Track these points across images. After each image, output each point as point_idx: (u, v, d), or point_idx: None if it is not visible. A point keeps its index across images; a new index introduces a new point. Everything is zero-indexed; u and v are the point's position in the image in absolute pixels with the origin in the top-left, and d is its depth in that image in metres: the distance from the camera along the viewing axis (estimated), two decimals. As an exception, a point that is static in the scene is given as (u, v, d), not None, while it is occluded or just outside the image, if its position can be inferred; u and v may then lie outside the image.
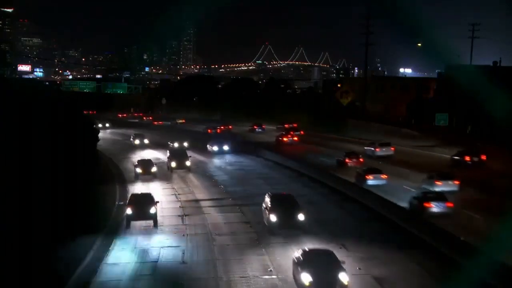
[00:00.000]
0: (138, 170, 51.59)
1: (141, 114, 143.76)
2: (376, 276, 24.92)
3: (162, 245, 30.62)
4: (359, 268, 25.78)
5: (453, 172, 44.57)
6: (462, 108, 71.27)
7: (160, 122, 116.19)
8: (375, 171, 45.10)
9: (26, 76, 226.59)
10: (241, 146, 70.46)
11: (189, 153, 58.33)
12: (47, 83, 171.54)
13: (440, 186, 40.19)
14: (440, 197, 35.09)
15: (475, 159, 51.56)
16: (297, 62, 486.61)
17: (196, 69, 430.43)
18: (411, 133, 74.00)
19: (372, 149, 60.19)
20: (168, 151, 60.13)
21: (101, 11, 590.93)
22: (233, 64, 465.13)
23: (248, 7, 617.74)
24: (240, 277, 25.30)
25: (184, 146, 68.99)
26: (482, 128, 65.68)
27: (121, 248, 30.06)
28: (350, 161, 53.61)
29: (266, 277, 25.21)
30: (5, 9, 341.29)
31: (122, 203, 41.57)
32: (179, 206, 40.73)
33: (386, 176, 44.70)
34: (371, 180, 43.75)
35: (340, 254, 25.27)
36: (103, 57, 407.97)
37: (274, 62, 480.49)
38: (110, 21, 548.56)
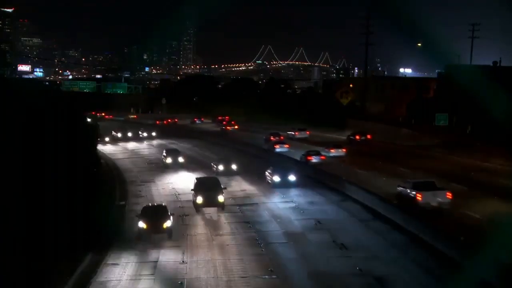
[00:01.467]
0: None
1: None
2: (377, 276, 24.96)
3: (162, 245, 30.62)
4: (359, 269, 25.82)
5: (343, 144, 66.69)
6: (462, 108, 71.27)
7: (111, 116, 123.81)
8: (281, 142, 68.66)
9: (26, 76, 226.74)
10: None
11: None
12: (47, 83, 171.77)
13: (332, 153, 61.11)
14: (317, 153, 56.84)
15: (363, 137, 73.50)
16: (297, 62, 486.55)
17: (196, 69, 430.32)
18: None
19: (293, 133, 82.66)
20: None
21: (101, 11, 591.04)
22: (233, 64, 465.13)
23: (248, 7, 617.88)
24: (240, 277, 25.30)
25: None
26: (482, 128, 65.66)
27: (121, 248, 30.07)
28: (274, 138, 74.54)
29: (266, 277, 25.21)
30: (5, 9, 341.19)
31: (122, 203, 41.61)
32: (179, 206, 40.77)
33: (288, 146, 67.10)
34: (278, 148, 66.28)
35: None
36: (103, 57, 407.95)
37: (274, 62, 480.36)
38: (110, 21, 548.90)
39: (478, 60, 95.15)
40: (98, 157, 56.69)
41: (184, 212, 38.64)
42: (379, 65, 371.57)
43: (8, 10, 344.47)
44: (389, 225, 32.46)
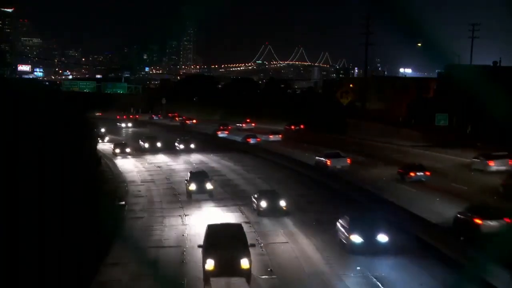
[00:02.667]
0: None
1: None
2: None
3: (162, 245, 30.64)
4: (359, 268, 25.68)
5: (280, 132, 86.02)
6: (462, 108, 71.30)
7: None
8: (253, 136, 77.83)
9: (26, 76, 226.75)
10: None
11: None
12: (47, 83, 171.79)
13: (271, 138, 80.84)
14: (254, 136, 77.44)
15: (297, 127, 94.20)
16: (297, 62, 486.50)
17: (196, 69, 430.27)
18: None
19: (240, 125, 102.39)
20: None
21: (101, 11, 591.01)
22: (233, 64, 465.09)
23: (248, 7, 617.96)
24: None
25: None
26: (482, 128, 65.67)
27: (121, 248, 30.08)
28: (222, 127, 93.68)
29: (266, 277, 25.21)
30: (5, 9, 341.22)
31: (123, 203, 41.64)
32: (179, 206, 40.82)
33: (227, 132, 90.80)
34: (220, 134, 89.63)
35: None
36: (103, 57, 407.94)
37: (274, 62, 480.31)
38: (110, 21, 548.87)
39: (478, 60, 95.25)
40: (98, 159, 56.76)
41: (184, 212, 38.70)
42: (379, 65, 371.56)
43: (8, 10, 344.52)
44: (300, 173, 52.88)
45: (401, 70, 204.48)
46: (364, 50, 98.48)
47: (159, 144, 73.38)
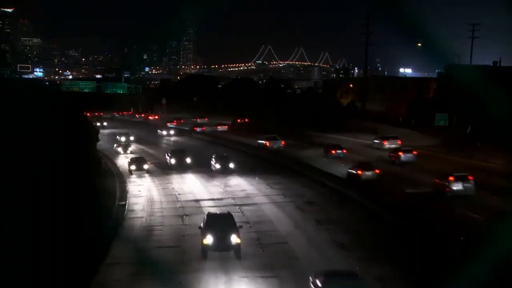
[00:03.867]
0: None
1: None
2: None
3: (162, 245, 30.64)
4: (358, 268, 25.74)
5: (227, 124, 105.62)
6: (462, 108, 71.28)
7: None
8: (199, 126, 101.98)
9: (26, 76, 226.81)
10: None
11: None
12: (47, 83, 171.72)
13: (219, 128, 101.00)
14: (201, 125, 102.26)
15: (243, 121, 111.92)
16: (297, 62, 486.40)
17: (196, 69, 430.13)
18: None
19: (195, 119, 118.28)
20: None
21: (101, 11, 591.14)
22: (233, 64, 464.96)
23: (248, 7, 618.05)
24: (240, 277, 25.31)
25: None
26: (482, 128, 65.66)
27: (121, 248, 30.09)
28: (176, 121, 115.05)
29: (266, 277, 25.21)
30: (5, 9, 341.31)
31: (123, 203, 41.65)
32: (179, 206, 40.83)
33: (175, 123, 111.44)
34: (169, 125, 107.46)
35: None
36: (103, 57, 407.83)
37: (274, 62, 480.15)
38: (110, 21, 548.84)
39: (478, 60, 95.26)
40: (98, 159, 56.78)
41: (184, 212, 38.72)
42: (379, 65, 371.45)
43: (8, 10, 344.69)
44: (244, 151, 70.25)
45: (401, 70, 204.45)
46: (364, 50, 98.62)
47: (188, 160, 58.67)
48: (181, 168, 57.21)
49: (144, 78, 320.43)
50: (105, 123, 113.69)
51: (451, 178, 41.29)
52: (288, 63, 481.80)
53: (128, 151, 71.45)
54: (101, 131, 78.88)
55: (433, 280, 23.56)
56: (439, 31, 68.36)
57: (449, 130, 73.15)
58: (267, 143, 70.38)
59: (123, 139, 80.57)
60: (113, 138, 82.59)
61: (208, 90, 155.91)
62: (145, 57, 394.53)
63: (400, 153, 55.87)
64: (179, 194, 45.64)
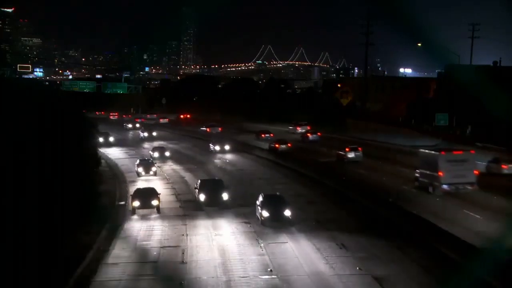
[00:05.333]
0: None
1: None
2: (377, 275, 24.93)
3: (162, 245, 30.62)
4: (359, 268, 25.82)
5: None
6: (462, 108, 71.31)
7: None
8: (139, 118, 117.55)
9: (26, 76, 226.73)
10: None
11: None
12: (47, 83, 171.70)
13: (161, 121, 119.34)
14: (164, 117, 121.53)
15: (186, 116, 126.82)
16: (297, 62, 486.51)
17: (196, 69, 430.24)
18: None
19: (155, 116, 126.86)
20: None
21: (101, 11, 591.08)
22: (233, 64, 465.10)
23: (248, 7, 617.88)
24: (240, 277, 25.28)
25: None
26: (482, 128, 65.69)
27: (121, 248, 30.07)
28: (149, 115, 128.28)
29: (266, 277, 25.19)
30: (5, 9, 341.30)
31: (123, 203, 41.64)
32: (179, 206, 40.82)
33: (144, 120, 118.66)
34: (144, 121, 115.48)
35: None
36: (103, 57, 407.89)
37: (274, 62, 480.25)
38: (110, 21, 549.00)
39: (478, 60, 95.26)
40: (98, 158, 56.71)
41: (184, 212, 38.69)
42: (379, 65, 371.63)
43: (8, 10, 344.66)
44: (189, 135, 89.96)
45: (401, 70, 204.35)
46: (364, 50, 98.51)
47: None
48: None
49: (144, 78, 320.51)
50: (111, 138, 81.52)
51: (347, 149, 59.53)
52: (288, 63, 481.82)
53: (151, 172, 53.29)
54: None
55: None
56: (439, 31, 68.44)
57: (449, 130, 73.17)
58: (208, 129, 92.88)
59: (156, 154, 64.66)
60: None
61: (208, 90, 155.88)
62: (145, 57, 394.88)
63: (309, 134, 79.87)
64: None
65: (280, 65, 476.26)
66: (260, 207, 34.38)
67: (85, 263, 26.56)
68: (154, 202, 37.88)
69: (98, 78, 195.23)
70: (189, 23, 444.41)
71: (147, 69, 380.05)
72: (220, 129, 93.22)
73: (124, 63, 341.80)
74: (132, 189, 42.65)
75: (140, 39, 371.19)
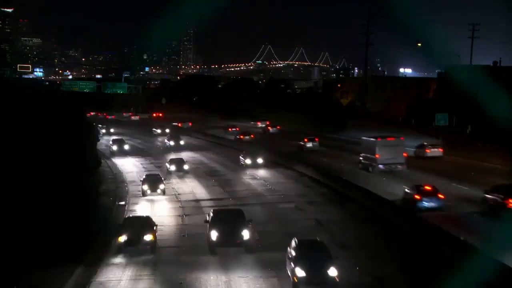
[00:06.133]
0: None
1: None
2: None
3: (162, 245, 30.59)
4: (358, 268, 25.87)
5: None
6: (462, 108, 71.27)
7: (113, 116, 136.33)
8: (110, 114, 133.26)
9: (26, 76, 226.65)
10: None
11: None
12: (47, 83, 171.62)
13: (132, 118, 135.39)
14: (135, 114, 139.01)
15: (158, 114, 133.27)
16: (297, 62, 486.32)
17: (196, 69, 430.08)
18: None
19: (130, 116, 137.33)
20: None
21: (101, 11, 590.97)
22: (233, 64, 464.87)
23: (248, 7, 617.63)
24: (240, 277, 25.27)
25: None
26: (482, 128, 65.67)
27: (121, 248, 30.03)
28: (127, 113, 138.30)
29: (266, 277, 25.17)
30: (5, 9, 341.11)
31: (123, 203, 41.65)
32: (179, 206, 40.80)
33: (114, 116, 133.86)
34: (109, 117, 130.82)
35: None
36: (103, 57, 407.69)
37: (274, 62, 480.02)
38: (110, 21, 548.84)
39: (478, 60, 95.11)
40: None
41: (184, 212, 38.70)
42: (379, 65, 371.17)
43: (8, 10, 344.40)
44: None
45: (401, 70, 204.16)
46: (364, 50, 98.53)
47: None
48: None
49: (144, 78, 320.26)
50: (126, 146, 75.14)
51: (306, 140, 71.06)
52: (288, 63, 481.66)
53: (159, 191, 44.57)
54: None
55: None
56: (439, 31, 68.40)
57: (449, 130, 73.12)
58: (179, 124, 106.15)
59: (173, 168, 55.46)
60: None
61: (208, 90, 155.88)
62: (145, 57, 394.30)
63: (269, 128, 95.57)
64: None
65: (280, 65, 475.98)
66: (293, 260, 23.69)
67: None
68: (147, 237, 28.75)
69: (98, 78, 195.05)
70: (189, 23, 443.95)
71: (147, 69, 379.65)
72: (190, 123, 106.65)
73: (124, 63, 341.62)
74: (129, 215, 35.86)
75: (140, 39, 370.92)
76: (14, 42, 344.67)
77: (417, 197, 36.48)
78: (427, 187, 37.29)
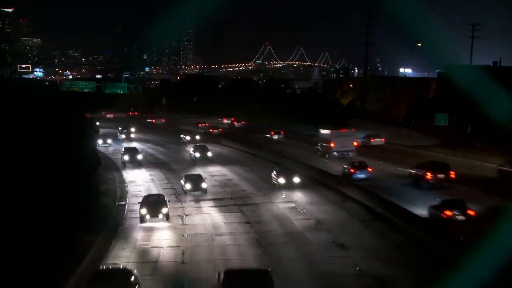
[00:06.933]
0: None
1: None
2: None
3: (162, 245, 30.62)
4: (359, 269, 25.77)
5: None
6: (462, 108, 71.22)
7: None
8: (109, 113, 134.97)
9: (26, 76, 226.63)
10: None
11: None
12: (47, 83, 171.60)
13: (107, 116, 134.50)
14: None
15: (133, 114, 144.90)
16: (297, 62, 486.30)
17: (196, 69, 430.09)
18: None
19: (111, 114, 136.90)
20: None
21: (101, 11, 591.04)
22: (233, 64, 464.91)
23: (248, 7, 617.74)
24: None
25: None
26: (482, 128, 65.59)
27: (121, 248, 30.08)
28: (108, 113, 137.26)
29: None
30: (5, 9, 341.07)
31: (123, 203, 41.68)
32: (179, 206, 40.80)
33: (164, 120, 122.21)
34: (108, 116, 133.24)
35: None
36: (103, 57, 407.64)
37: (274, 62, 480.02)
38: (110, 21, 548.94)
39: (478, 60, 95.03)
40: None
41: (184, 212, 38.69)
42: (379, 65, 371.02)
43: (8, 10, 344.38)
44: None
45: (401, 70, 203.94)
46: (364, 50, 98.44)
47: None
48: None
49: (144, 78, 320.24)
50: (139, 156, 62.97)
51: (272, 133, 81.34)
52: (288, 63, 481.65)
53: (161, 215, 35.91)
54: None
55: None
56: (439, 31, 68.34)
57: (449, 130, 73.06)
58: (153, 121, 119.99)
59: (188, 186, 44.98)
60: None
61: (208, 90, 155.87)
62: (145, 57, 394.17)
63: (235, 123, 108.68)
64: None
65: (280, 65, 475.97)
66: None
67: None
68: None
69: (98, 78, 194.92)
70: (189, 23, 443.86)
71: (147, 69, 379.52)
72: (163, 120, 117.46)
73: (124, 63, 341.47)
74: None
75: (140, 39, 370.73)
76: (14, 42, 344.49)
77: (352, 170, 47.29)
78: (359, 163, 48.41)
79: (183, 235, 32.95)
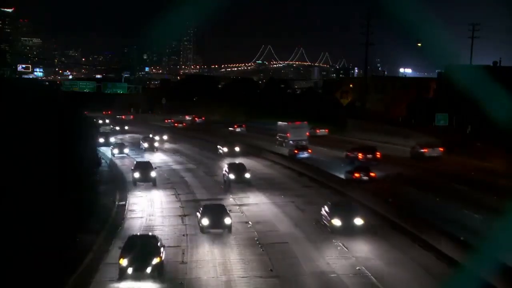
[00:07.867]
0: None
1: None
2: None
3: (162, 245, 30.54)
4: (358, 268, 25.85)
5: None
6: (462, 108, 71.20)
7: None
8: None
9: (26, 76, 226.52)
10: None
11: None
12: (47, 83, 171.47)
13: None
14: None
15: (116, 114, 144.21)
16: (297, 62, 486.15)
17: (196, 69, 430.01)
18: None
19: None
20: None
21: (101, 11, 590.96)
22: (233, 64, 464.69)
23: (248, 7, 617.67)
24: (240, 277, 25.27)
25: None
26: (482, 128, 65.58)
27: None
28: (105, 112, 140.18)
29: (266, 277, 25.17)
30: (5, 9, 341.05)
31: (123, 203, 41.64)
32: (179, 206, 40.79)
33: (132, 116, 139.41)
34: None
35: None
36: (103, 57, 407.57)
37: (274, 62, 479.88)
38: (110, 21, 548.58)
39: (478, 60, 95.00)
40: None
41: (184, 212, 38.67)
42: (379, 65, 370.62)
43: (8, 10, 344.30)
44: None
45: (401, 70, 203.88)
46: (364, 50, 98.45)
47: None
48: None
49: (144, 78, 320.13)
50: (153, 174, 49.40)
51: (235, 126, 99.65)
52: (288, 63, 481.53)
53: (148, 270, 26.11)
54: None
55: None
56: (439, 31, 68.34)
57: (449, 130, 73.05)
58: (123, 117, 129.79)
59: (205, 222, 32.31)
60: None
61: (208, 90, 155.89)
62: (145, 57, 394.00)
63: (196, 118, 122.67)
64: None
65: (280, 65, 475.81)
66: None
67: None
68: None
69: (98, 78, 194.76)
70: (189, 23, 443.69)
71: (147, 69, 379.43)
72: (132, 116, 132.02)
73: (124, 63, 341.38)
74: None
75: (140, 39, 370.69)
76: (14, 42, 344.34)
77: (296, 151, 62.87)
78: (301, 146, 64.46)
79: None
